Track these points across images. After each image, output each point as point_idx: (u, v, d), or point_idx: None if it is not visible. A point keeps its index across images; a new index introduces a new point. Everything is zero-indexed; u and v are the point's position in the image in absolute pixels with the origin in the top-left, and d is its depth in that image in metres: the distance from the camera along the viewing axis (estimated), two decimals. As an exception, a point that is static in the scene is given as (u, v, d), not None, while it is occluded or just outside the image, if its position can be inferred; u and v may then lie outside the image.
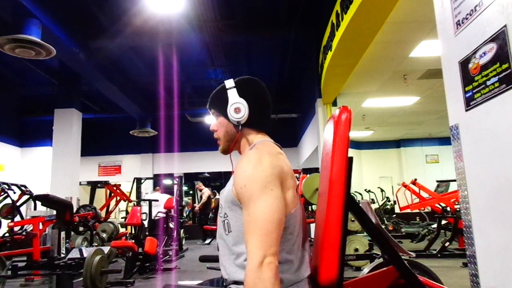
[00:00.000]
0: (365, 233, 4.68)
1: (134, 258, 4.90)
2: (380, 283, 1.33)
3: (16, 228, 5.79)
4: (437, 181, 7.73)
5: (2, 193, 6.24)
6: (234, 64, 8.11)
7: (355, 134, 11.09)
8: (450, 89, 1.57)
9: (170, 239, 6.86)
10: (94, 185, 8.27)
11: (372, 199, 10.21)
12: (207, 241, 9.35)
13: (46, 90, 8.92)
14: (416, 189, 7.00)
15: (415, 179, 7.14)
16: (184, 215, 11.87)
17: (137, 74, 8.64)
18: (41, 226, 5.05)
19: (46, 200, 4.38)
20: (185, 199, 13.20)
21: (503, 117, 1.27)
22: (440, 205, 6.54)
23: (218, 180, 15.52)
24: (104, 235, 6.55)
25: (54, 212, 4.57)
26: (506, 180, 1.25)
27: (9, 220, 5.96)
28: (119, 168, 11.73)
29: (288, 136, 10.90)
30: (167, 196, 7.48)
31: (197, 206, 10.84)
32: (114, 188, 8.24)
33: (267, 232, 0.97)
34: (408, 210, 7.46)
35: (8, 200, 6.21)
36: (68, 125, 7.55)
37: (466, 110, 1.46)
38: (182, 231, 8.39)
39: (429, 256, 5.57)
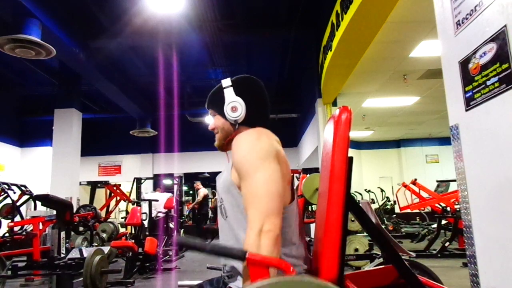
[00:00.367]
0: (365, 233, 4.68)
1: (134, 258, 4.90)
2: (380, 279, 1.33)
3: (16, 228, 5.79)
4: (437, 181, 7.72)
5: (2, 193, 6.24)
6: (234, 64, 8.11)
7: (355, 134, 11.09)
8: (450, 89, 1.57)
9: (170, 239, 6.86)
10: (94, 185, 8.27)
11: (372, 199, 10.21)
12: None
13: (46, 90, 8.92)
14: (416, 189, 7.00)
15: (415, 179, 7.14)
16: (184, 214, 11.86)
17: (137, 74, 8.64)
18: (41, 226, 5.05)
19: (46, 200, 4.38)
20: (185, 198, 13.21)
21: (503, 117, 1.27)
22: (440, 205, 6.53)
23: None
24: (104, 235, 6.55)
25: (54, 212, 4.56)
26: (506, 180, 1.25)
27: (9, 220, 5.96)
28: (119, 168, 11.73)
29: (288, 136, 10.89)
30: (167, 195, 7.47)
31: (191, 204, 10.78)
32: (114, 188, 8.24)
33: (266, 201, 0.97)
34: (408, 210, 7.46)
35: (8, 200, 6.20)
36: (68, 125, 7.54)
37: (466, 110, 1.46)
38: (182, 231, 8.39)
39: (429, 256, 5.57)
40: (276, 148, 1.09)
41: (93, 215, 6.42)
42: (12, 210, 6.08)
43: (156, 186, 9.41)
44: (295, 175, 9.26)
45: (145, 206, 6.76)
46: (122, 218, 10.78)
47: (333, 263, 1.03)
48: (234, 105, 1.20)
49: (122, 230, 7.44)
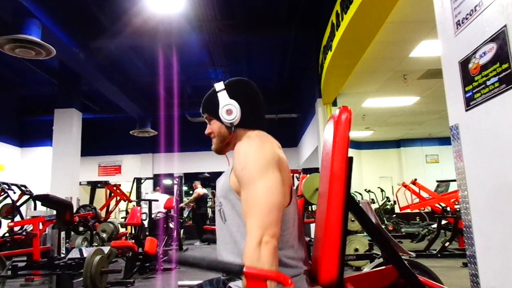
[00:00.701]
0: (365, 233, 4.68)
1: (134, 258, 4.90)
2: (380, 280, 1.33)
3: (16, 228, 5.79)
4: (437, 181, 7.72)
5: (2, 193, 6.24)
6: (234, 64, 8.11)
7: (355, 134, 11.09)
8: (450, 89, 1.57)
9: (170, 239, 6.86)
10: (94, 185, 8.27)
11: (372, 199, 10.21)
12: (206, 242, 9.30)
13: (46, 90, 8.92)
14: (416, 189, 7.00)
15: (415, 179, 7.13)
16: (185, 215, 11.86)
17: (137, 74, 8.64)
18: (41, 226, 5.05)
19: (46, 200, 4.38)
20: (185, 199, 13.17)
21: (503, 117, 1.27)
22: (440, 205, 6.53)
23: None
24: (104, 235, 6.55)
25: (54, 212, 4.56)
26: (506, 180, 1.25)
27: (9, 220, 5.96)
28: (119, 168, 11.73)
29: (288, 136, 10.89)
30: (167, 197, 7.48)
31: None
32: (114, 188, 8.24)
33: (266, 212, 0.97)
34: (408, 210, 7.45)
35: (8, 200, 6.20)
36: (68, 125, 7.54)
37: (466, 110, 1.46)
38: (182, 231, 8.39)
39: (429, 256, 5.57)
40: (278, 155, 1.08)
41: (93, 215, 6.42)
42: (12, 210, 6.08)
43: (156, 186, 9.38)
44: (295, 175, 9.26)
45: (145, 206, 6.76)
46: (122, 218, 10.77)
47: (332, 264, 1.03)
48: (229, 108, 1.20)
49: (122, 230, 7.44)
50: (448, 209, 6.28)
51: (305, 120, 8.97)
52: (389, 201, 10.13)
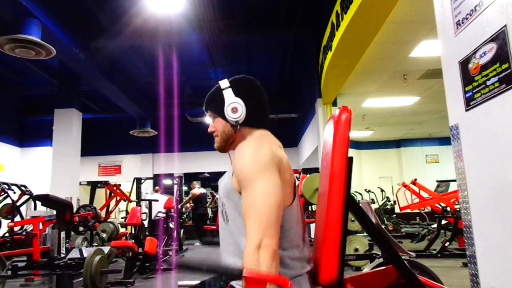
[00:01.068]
0: (365, 233, 4.68)
1: (134, 258, 4.90)
2: (380, 281, 1.33)
3: (16, 228, 5.79)
4: (437, 181, 7.72)
5: (2, 193, 6.24)
6: (234, 64, 8.11)
7: (355, 134, 11.09)
8: (450, 89, 1.57)
9: (170, 239, 6.86)
10: (94, 185, 8.27)
11: (372, 199, 10.21)
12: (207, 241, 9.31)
13: (46, 90, 8.92)
14: (416, 189, 7.00)
15: (415, 179, 7.14)
16: (185, 215, 11.86)
17: (137, 74, 8.64)
18: (41, 226, 5.05)
19: (46, 200, 4.38)
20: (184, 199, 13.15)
21: (503, 117, 1.27)
22: (440, 205, 6.53)
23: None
24: (104, 235, 6.55)
25: (54, 212, 4.56)
26: (506, 180, 1.25)
27: (9, 220, 5.96)
28: (119, 168, 11.73)
29: (288, 136, 10.88)
30: (166, 197, 7.48)
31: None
32: (114, 188, 8.24)
33: (265, 214, 0.97)
34: (408, 210, 7.45)
35: (8, 200, 6.20)
36: (68, 125, 7.54)
37: (466, 110, 1.46)
38: (182, 231, 8.38)
39: (429, 256, 5.57)
40: (278, 156, 1.07)
41: (93, 215, 6.42)
42: (12, 210, 6.08)
43: (155, 186, 9.35)
44: (295, 175, 9.25)
45: (145, 206, 6.76)
46: (122, 218, 10.77)
47: (333, 264, 1.03)
48: (235, 106, 1.19)
49: (122, 230, 7.44)
50: (448, 209, 6.28)
51: (305, 120, 8.97)
52: (389, 201, 10.13)
